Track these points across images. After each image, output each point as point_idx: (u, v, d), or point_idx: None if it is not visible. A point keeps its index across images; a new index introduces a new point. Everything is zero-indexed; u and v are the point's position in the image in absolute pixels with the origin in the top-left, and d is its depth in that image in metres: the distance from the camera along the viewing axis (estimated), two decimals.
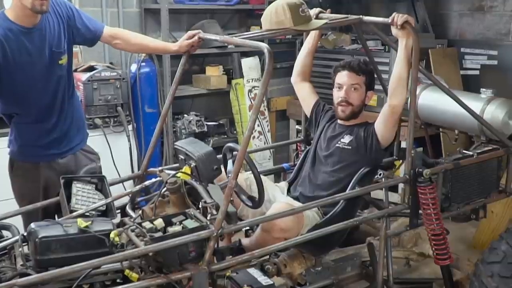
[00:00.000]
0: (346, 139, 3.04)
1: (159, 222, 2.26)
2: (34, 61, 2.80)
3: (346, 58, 3.26)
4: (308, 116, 3.34)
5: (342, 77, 3.07)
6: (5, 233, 2.51)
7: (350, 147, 3.01)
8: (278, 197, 3.04)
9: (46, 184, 3.01)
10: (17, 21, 2.73)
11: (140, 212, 2.59)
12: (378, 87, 3.29)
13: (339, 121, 3.15)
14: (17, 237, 2.29)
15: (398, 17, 2.76)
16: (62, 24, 2.90)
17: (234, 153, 2.83)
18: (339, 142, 3.05)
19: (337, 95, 3.08)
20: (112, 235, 2.16)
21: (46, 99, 2.91)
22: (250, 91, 5.27)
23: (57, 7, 2.89)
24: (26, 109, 2.91)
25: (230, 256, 2.51)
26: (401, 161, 3.45)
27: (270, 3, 5.31)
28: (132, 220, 2.41)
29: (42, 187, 3.01)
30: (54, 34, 2.86)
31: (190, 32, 2.93)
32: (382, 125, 2.92)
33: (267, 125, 5.47)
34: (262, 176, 2.64)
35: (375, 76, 3.19)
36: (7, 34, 2.71)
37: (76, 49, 4.33)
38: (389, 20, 2.79)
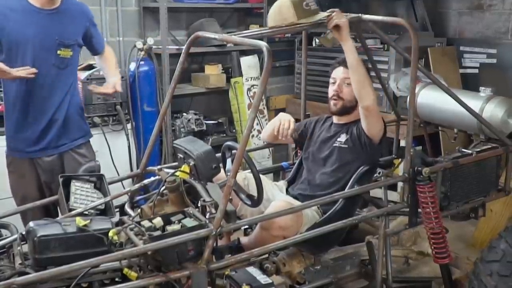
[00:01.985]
0: (343, 138, 3.04)
1: (158, 221, 2.26)
2: (29, 38, 2.92)
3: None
4: (295, 144, 3.38)
5: (337, 72, 3.11)
6: (3, 232, 2.50)
7: (347, 146, 3.01)
8: (277, 195, 3.04)
9: (39, 181, 3.10)
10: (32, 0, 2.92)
11: (139, 211, 2.58)
12: (377, 85, 3.29)
13: (334, 120, 3.16)
14: (15, 236, 2.28)
15: (332, 18, 2.69)
16: (82, 28, 3.09)
17: (233, 151, 2.83)
18: (336, 142, 3.06)
19: (331, 89, 3.12)
20: (110, 234, 2.16)
21: (34, 83, 2.97)
22: (249, 89, 5.27)
23: (85, 14, 3.13)
24: (17, 89, 2.99)
25: (229, 255, 2.50)
26: (400, 159, 3.45)
27: (269, 1, 5.34)
28: (131, 219, 2.40)
29: (36, 184, 3.08)
30: (66, 26, 2.99)
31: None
32: (365, 125, 2.94)
33: (266, 124, 5.46)
34: (260, 175, 2.64)
35: (374, 74, 3.19)
36: (13, 7, 2.89)
37: None
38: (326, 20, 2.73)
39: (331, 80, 3.13)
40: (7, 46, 2.91)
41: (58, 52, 2.98)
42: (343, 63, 3.07)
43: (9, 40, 2.89)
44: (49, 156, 3.08)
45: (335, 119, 3.17)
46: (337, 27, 2.70)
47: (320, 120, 3.26)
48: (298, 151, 3.48)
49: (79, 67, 4.29)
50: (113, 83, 3.28)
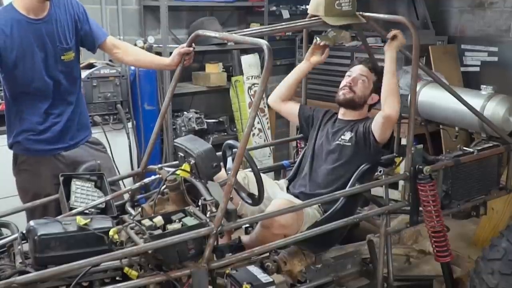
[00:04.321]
0: (347, 135, 3.03)
1: (159, 220, 2.25)
2: (35, 52, 2.83)
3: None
4: (298, 124, 3.37)
5: (355, 68, 3.14)
6: (4, 231, 2.50)
7: (350, 144, 3.00)
8: (277, 194, 3.03)
9: (56, 177, 3.01)
10: (24, 11, 2.80)
11: (140, 209, 2.58)
12: None
13: (339, 116, 3.16)
14: (16, 235, 2.28)
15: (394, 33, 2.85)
16: (72, 23, 2.96)
17: (234, 150, 2.83)
18: (339, 139, 3.05)
19: (344, 81, 3.13)
20: (111, 232, 2.16)
21: (45, 93, 2.92)
22: (250, 88, 5.27)
23: (69, 6, 2.96)
24: (26, 101, 2.92)
25: (230, 254, 2.50)
26: (401, 158, 3.44)
27: (269, 0, 5.33)
28: (131, 217, 2.40)
29: (52, 180, 3.00)
30: (62, 30, 2.91)
31: (180, 47, 2.96)
32: (378, 132, 2.92)
33: (267, 122, 5.47)
34: (261, 174, 2.64)
35: None
36: (12, 23, 2.77)
37: None
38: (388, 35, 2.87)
39: (347, 73, 3.15)
40: (13, 63, 2.81)
41: (62, 57, 2.92)
42: (364, 62, 3.15)
43: (15, 56, 2.80)
44: (66, 151, 3.07)
45: (340, 114, 3.16)
46: (394, 37, 2.86)
47: (328, 114, 3.24)
48: (299, 149, 3.47)
49: (80, 66, 4.32)
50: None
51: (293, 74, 3.32)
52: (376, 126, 2.92)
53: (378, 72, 3.09)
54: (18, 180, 3.09)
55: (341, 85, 3.13)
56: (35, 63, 2.85)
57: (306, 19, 2.98)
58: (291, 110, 3.36)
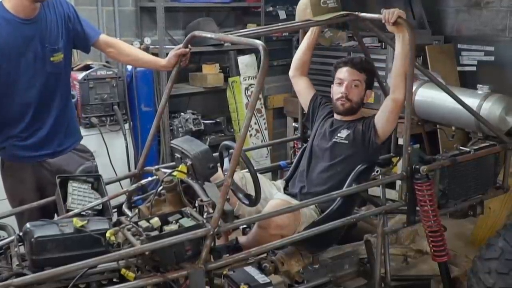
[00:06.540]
0: (343, 133, 3.04)
1: (156, 221, 2.25)
2: (22, 53, 2.78)
3: (346, 55, 3.28)
4: (306, 110, 3.34)
5: (343, 73, 3.09)
6: (1, 233, 2.50)
7: (347, 142, 3.01)
8: (274, 194, 3.03)
9: (39, 184, 2.98)
10: (13, 11, 2.75)
11: (137, 211, 2.58)
12: (375, 84, 3.29)
13: (335, 116, 3.16)
14: (13, 237, 2.28)
15: (390, 14, 2.76)
16: (62, 23, 2.91)
17: (231, 151, 2.83)
18: (336, 137, 3.06)
19: (337, 90, 3.09)
20: (108, 234, 2.16)
21: (31, 95, 2.86)
22: (247, 89, 5.27)
23: (59, 6, 2.91)
24: (9, 103, 2.85)
25: (227, 255, 2.50)
26: (398, 157, 3.45)
27: (266, 0, 5.33)
28: (128, 219, 2.40)
29: (35, 187, 2.98)
30: (51, 30, 2.86)
31: (176, 48, 2.95)
32: (384, 120, 2.93)
33: (264, 123, 5.47)
34: (258, 174, 2.64)
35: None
36: (1, 22, 2.72)
37: None
38: (382, 19, 2.80)
39: (336, 81, 3.11)
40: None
41: (51, 59, 2.86)
42: (349, 63, 3.10)
43: (1, 55, 2.74)
44: (53, 157, 3.03)
45: (337, 116, 3.17)
46: (397, 20, 2.74)
47: (330, 112, 3.24)
48: (296, 149, 3.48)
49: (77, 67, 4.32)
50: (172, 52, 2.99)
51: (304, 41, 3.31)
52: (384, 113, 2.92)
53: (367, 69, 3.09)
54: (5, 186, 3.06)
55: (336, 95, 3.10)
56: (21, 64, 2.80)
57: (303, 20, 2.98)
58: (306, 91, 3.37)
